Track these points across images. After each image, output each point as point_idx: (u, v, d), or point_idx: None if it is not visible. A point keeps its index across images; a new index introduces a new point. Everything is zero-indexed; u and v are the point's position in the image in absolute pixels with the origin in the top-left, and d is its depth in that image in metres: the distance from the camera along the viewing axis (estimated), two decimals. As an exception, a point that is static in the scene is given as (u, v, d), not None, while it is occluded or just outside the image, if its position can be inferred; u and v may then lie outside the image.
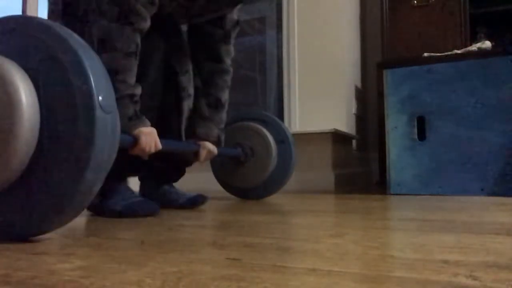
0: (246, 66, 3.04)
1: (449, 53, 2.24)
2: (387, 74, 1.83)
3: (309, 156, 2.16)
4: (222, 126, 1.28)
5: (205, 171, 1.45)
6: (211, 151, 1.23)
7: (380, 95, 2.08)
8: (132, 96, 0.97)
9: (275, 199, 1.59)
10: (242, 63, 3.05)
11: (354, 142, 2.62)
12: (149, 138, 0.99)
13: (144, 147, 0.97)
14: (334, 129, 2.13)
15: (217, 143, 1.25)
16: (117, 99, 0.95)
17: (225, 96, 1.29)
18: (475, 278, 0.42)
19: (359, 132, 2.70)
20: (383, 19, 2.61)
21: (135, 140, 0.96)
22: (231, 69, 1.31)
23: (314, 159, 2.15)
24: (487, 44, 2.19)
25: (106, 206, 1.04)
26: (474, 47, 2.22)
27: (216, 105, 1.26)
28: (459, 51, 2.24)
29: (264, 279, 0.43)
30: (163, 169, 1.29)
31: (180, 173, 1.34)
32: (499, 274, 0.44)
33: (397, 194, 1.73)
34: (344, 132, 2.28)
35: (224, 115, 1.29)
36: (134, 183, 1.28)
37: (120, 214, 1.01)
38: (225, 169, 1.53)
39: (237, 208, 1.24)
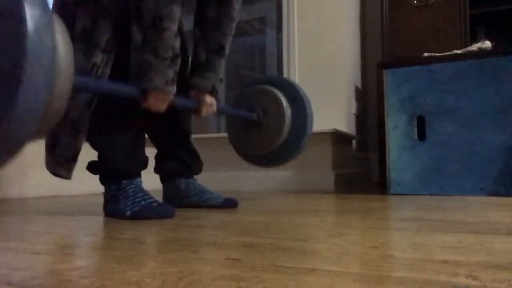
0: (246, 66, 3.04)
1: (449, 53, 2.23)
2: (387, 74, 1.83)
3: (309, 156, 2.16)
4: (220, 76, 1.23)
5: (206, 170, 1.45)
6: (210, 104, 1.19)
7: (380, 95, 2.08)
8: (173, 49, 0.98)
9: (275, 199, 1.59)
10: (242, 63, 3.05)
11: (354, 142, 2.62)
12: (158, 102, 1.00)
13: (150, 107, 1.00)
14: (334, 129, 2.13)
15: (212, 94, 1.21)
16: (161, 50, 0.95)
17: (228, 43, 1.23)
18: (475, 278, 0.42)
19: (359, 132, 2.70)
20: (383, 19, 2.61)
21: (143, 96, 0.97)
22: (237, 17, 1.25)
23: (314, 159, 2.15)
24: (487, 44, 2.19)
25: (114, 212, 1.02)
26: (474, 47, 2.22)
27: (218, 50, 1.21)
28: (459, 51, 2.24)
29: (264, 279, 0.43)
30: (183, 161, 1.28)
31: (200, 164, 1.33)
32: (499, 274, 0.44)
33: (397, 194, 1.73)
34: (344, 132, 2.28)
35: (223, 64, 1.24)
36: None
37: (130, 218, 0.99)
38: (241, 136, 1.46)
39: (237, 208, 1.24)
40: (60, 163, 0.98)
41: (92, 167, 1.10)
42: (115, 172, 1.05)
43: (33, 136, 0.62)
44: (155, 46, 0.95)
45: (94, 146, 1.07)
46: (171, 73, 0.99)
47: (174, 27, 0.97)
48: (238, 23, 1.31)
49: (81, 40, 0.96)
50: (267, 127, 1.39)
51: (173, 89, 1.01)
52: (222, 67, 1.23)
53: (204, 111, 1.18)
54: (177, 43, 1.00)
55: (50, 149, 1.00)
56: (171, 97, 1.02)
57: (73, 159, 0.99)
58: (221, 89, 1.26)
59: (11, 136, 0.60)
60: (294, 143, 1.41)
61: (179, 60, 1.01)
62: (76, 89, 0.81)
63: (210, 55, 1.20)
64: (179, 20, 1.04)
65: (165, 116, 1.23)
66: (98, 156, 1.09)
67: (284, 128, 1.38)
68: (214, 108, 1.21)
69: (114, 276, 0.45)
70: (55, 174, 0.99)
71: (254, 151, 1.45)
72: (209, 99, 1.18)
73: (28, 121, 0.60)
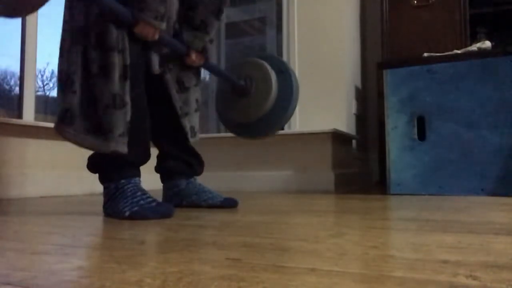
0: (246, 66, 3.03)
1: (449, 53, 2.24)
2: (387, 74, 1.83)
3: (309, 156, 2.16)
4: (211, 36, 1.27)
5: (206, 170, 1.44)
6: (199, 55, 1.23)
7: (380, 95, 2.08)
8: None
9: (275, 199, 1.59)
10: (242, 63, 3.04)
11: (354, 142, 2.62)
12: (146, 32, 1.03)
13: (139, 34, 1.03)
14: (334, 129, 2.13)
15: (202, 53, 1.24)
16: None
17: (225, 8, 1.27)
18: (475, 278, 0.42)
19: (359, 132, 2.70)
20: (383, 19, 2.61)
21: (135, 22, 1.01)
22: None
23: (314, 159, 2.15)
24: (487, 44, 2.19)
25: (114, 212, 1.02)
26: (474, 47, 2.22)
27: (217, 14, 1.24)
28: (459, 51, 2.24)
29: (264, 279, 0.43)
30: (185, 161, 1.29)
31: (202, 166, 1.34)
32: (499, 274, 0.44)
33: (397, 194, 1.73)
34: (344, 132, 2.28)
35: (217, 26, 1.27)
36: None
37: (130, 218, 0.98)
38: (228, 105, 1.44)
39: (237, 208, 1.24)
40: (115, 140, 1.00)
41: (91, 162, 1.09)
42: (113, 167, 1.05)
43: None
44: None
45: None
46: (161, 9, 1.04)
47: None
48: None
49: None
50: (254, 94, 1.38)
51: (162, 25, 1.06)
52: (215, 29, 1.27)
53: (193, 59, 1.22)
54: None
55: (100, 131, 1.00)
56: (160, 31, 1.06)
57: (126, 131, 1.01)
58: (212, 49, 1.31)
59: None
60: (280, 111, 1.39)
61: None
62: None
63: (209, 16, 1.23)
64: None
65: (170, 117, 1.25)
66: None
67: (271, 93, 1.36)
68: (202, 61, 1.24)
69: (114, 276, 0.45)
70: (113, 151, 1.00)
71: (239, 119, 1.43)
72: (198, 56, 1.23)
73: None
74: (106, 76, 0.99)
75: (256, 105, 1.38)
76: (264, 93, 1.37)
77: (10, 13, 0.78)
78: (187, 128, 1.28)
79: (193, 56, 1.21)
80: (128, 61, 1.02)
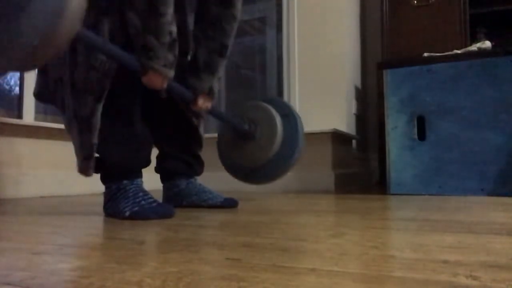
0: (246, 66, 3.04)
1: (449, 53, 2.23)
2: (387, 74, 1.83)
3: (309, 156, 2.16)
4: (219, 75, 1.22)
5: (206, 170, 1.44)
6: (205, 100, 1.18)
7: (380, 95, 2.08)
8: (171, 33, 0.98)
9: (275, 199, 1.59)
10: (242, 63, 3.05)
11: (354, 142, 2.62)
12: (155, 81, 1.00)
13: (147, 83, 1.00)
14: (334, 129, 2.13)
15: (209, 94, 1.19)
16: (160, 35, 0.96)
17: (230, 43, 1.20)
18: (475, 278, 0.42)
19: (359, 132, 2.70)
20: (383, 19, 2.61)
21: (143, 71, 0.98)
22: (239, 16, 1.22)
23: (314, 159, 2.15)
24: (487, 44, 2.19)
25: (114, 212, 1.02)
26: (474, 47, 2.22)
27: (221, 51, 1.18)
28: (459, 51, 2.24)
29: (264, 279, 0.43)
30: (185, 161, 1.29)
31: (201, 166, 1.35)
32: (499, 274, 0.44)
33: (397, 194, 1.73)
34: (344, 132, 2.28)
35: (224, 63, 1.22)
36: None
37: (130, 218, 0.98)
38: (232, 149, 1.41)
39: (237, 208, 1.24)
40: (80, 162, 1.01)
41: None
42: (114, 170, 1.05)
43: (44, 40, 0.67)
44: (155, 30, 0.96)
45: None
46: (170, 57, 1.00)
47: (170, 11, 0.97)
48: (238, 23, 1.29)
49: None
50: (259, 139, 1.35)
51: (171, 73, 1.02)
52: (222, 67, 1.21)
53: (199, 105, 1.16)
54: (174, 28, 1.00)
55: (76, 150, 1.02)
56: (168, 79, 1.03)
57: (90, 155, 1.00)
58: (218, 87, 1.26)
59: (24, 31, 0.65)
60: (285, 156, 1.37)
61: (177, 45, 1.02)
62: (80, 37, 0.82)
63: (212, 56, 1.17)
64: (184, 19, 1.06)
65: (175, 119, 1.26)
66: (98, 152, 1.08)
67: (276, 137, 1.34)
68: (209, 105, 1.19)
69: (114, 276, 0.45)
70: (80, 173, 1.02)
71: (244, 164, 1.40)
72: (205, 99, 1.18)
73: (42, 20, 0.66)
74: (80, 96, 0.98)
75: (261, 149, 1.34)
76: (269, 138, 1.33)
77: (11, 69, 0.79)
78: (203, 138, 1.32)
79: (200, 101, 1.15)
80: (108, 86, 0.99)
